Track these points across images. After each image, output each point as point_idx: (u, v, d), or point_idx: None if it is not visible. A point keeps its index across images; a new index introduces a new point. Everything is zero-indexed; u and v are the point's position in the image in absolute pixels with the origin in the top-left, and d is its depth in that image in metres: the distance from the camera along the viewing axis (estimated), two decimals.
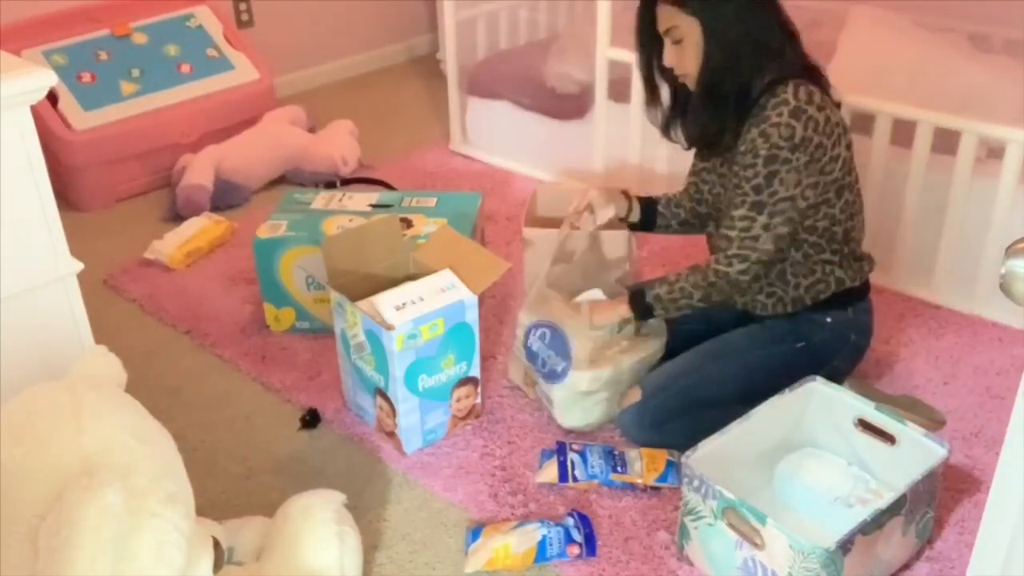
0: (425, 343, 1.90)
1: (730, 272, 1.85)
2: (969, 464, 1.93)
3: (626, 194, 2.12)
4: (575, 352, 1.93)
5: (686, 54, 1.82)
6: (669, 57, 1.85)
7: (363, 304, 1.91)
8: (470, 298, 1.94)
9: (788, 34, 1.84)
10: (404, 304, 1.89)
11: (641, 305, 1.93)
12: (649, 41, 1.89)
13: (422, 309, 1.89)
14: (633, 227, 2.16)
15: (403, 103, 3.95)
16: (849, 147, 1.85)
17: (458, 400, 2.03)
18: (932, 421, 2.01)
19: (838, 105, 1.88)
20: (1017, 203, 2.28)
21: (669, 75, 1.91)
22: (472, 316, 1.96)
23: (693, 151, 2.06)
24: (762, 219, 1.80)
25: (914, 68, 2.55)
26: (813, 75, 1.83)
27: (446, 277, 1.95)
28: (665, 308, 1.92)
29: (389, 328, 1.85)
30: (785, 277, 1.93)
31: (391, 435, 2.01)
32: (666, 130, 2.02)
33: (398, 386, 1.91)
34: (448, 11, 3.27)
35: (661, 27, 1.84)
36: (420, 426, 1.99)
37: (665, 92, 1.98)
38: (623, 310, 1.96)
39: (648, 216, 2.13)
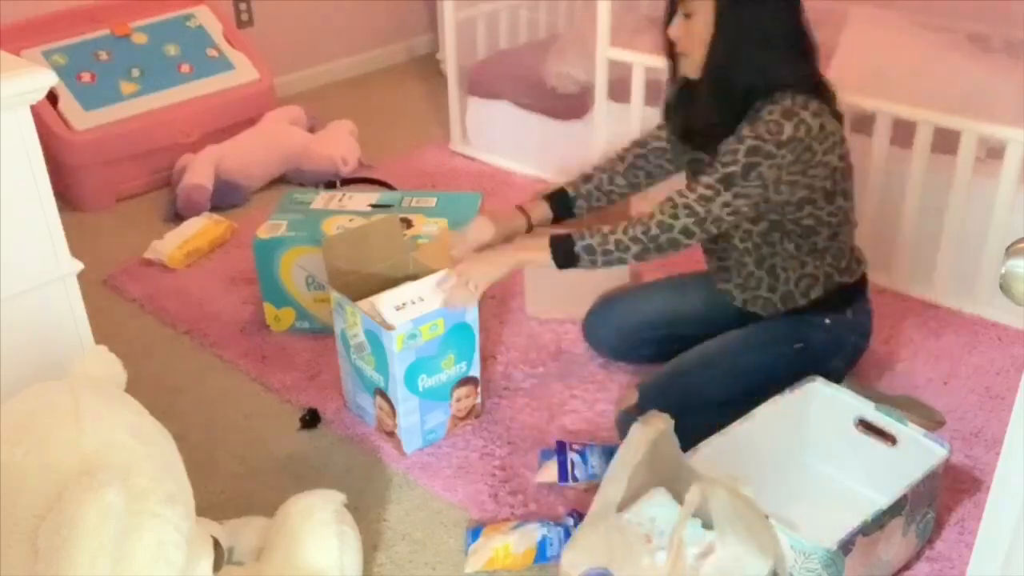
0: (425, 343, 1.90)
1: (675, 225, 1.77)
2: (969, 464, 1.93)
3: (520, 209, 2.04)
4: None
5: (692, 32, 1.78)
6: (675, 29, 1.81)
7: (363, 304, 1.91)
8: None
9: (804, 46, 1.80)
10: (404, 304, 1.89)
11: (565, 252, 1.82)
12: (673, 10, 1.84)
13: (422, 309, 1.89)
14: (555, 221, 2.08)
15: (403, 103, 3.95)
16: (843, 158, 1.83)
17: (458, 400, 2.03)
18: (931, 421, 2.01)
19: (840, 119, 1.84)
20: (1017, 203, 2.28)
21: (673, 50, 1.86)
22: (472, 316, 1.96)
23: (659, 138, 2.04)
24: (726, 195, 1.76)
25: (914, 68, 2.55)
26: (821, 90, 1.80)
27: (446, 277, 1.95)
28: (594, 260, 1.82)
29: (389, 328, 1.85)
30: (775, 271, 1.92)
31: (391, 435, 2.01)
32: (667, 114, 1.99)
33: (398, 386, 1.91)
34: (448, 11, 3.27)
35: None
36: (420, 426, 1.99)
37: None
38: (535, 257, 1.85)
39: (563, 211, 2.06)
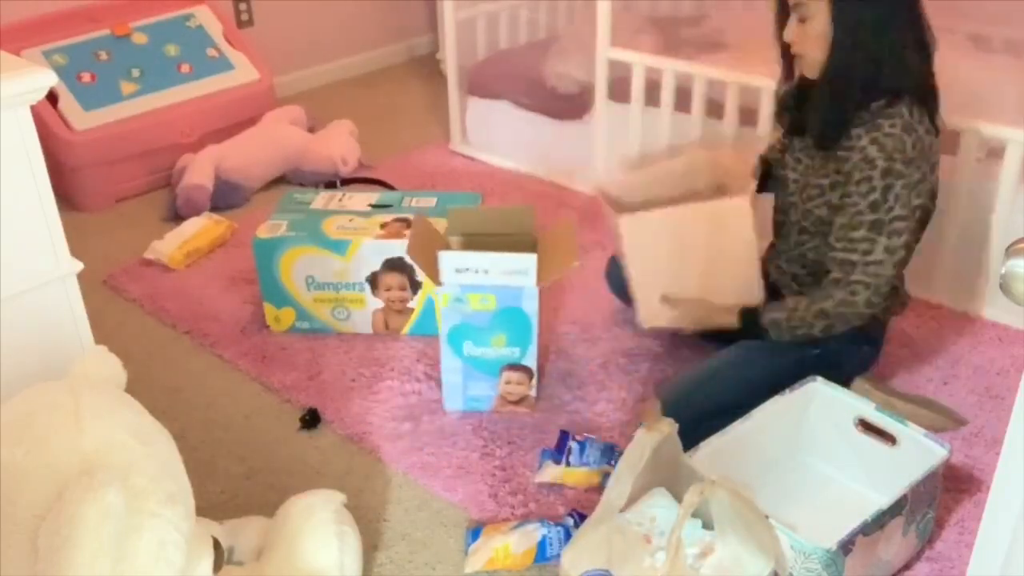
0: (474, 312, 1.97)
1: (857, 301, 1.81)
2: (969, 464, 1.93)
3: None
4: None
5: (808, 35, 1.78)
6: (790, 32, 1.82)
7: (442, 254, 1.95)
8: (530, 287, 1.96)
9: (921, 47, 1.80)
10: (467, 270, 1.94)
11: (752, 326, 1.91)
12: (785, 12, 1.84)
13: (478, 280, 1.94)
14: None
15: (403, 103, 3.95)
16: (938, 179, 1.84)
17: (507, 383, 2.07)
18: (951, 420, 2.01)
19: (938, 132, 1.86)
20: (1017, 203, 2.28)
21: (788, 50, 1.87)
22: (530, 306, 1.98)
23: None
24: (883, 240, 1.77)
25: None
26: (930, 97, 1.80)
27: (525, 262, 1.94)
28: (780, 335, 1.89)
29: (438, 285, 1.95)
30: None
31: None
32: (780, 111, 2.01)
33: (442, 342, 2.02)
34: (448, 11, 3.27)
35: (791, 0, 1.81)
36: (462, 389, 2.08)
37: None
38: (723, 321, 1.94)
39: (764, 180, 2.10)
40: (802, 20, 1.79)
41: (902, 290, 1.99)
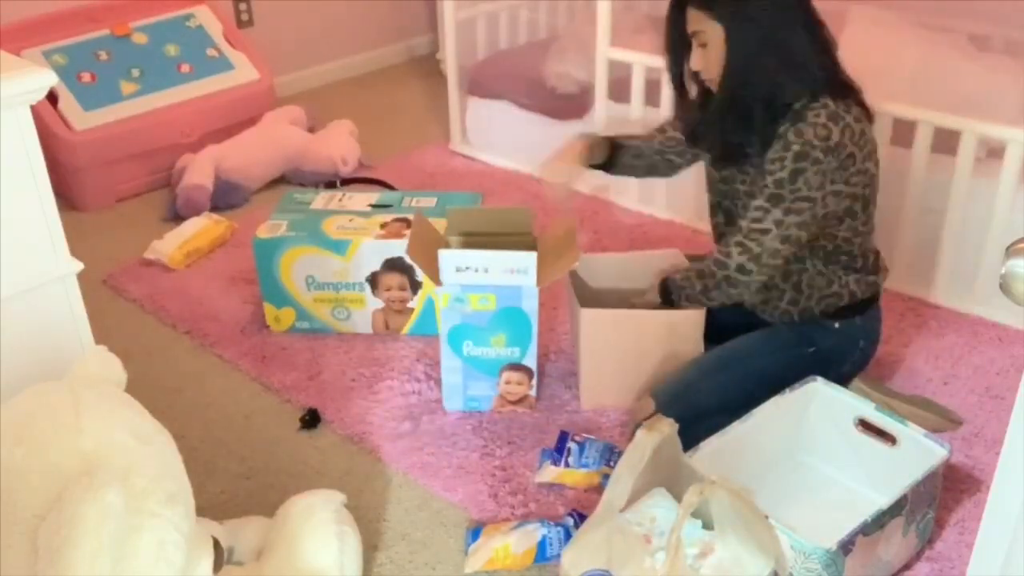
0: (474, 312, 1.97)
1: (729, 263, 1.83)
2: (969, 464, 1.93)
3: (610, 140, 2.15)
4: None
5: (711, 59, 1.80)
6: (696, 60, 1.84)
7: (443, 251, 1.96)
8: (530, 287, 1.96)
9: (821, 49, 1.80)
10: (468, 268, 1.94)
11: (664, 288, 1.98)
12: (679, 43, 1.88)
13: (478, 280, 1.94)
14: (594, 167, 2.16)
15: (403, 103, 3.96)
16: (877, 164, 1.85)
17: (507, 383, 2.07)
18: (948, 421, 2.01)
19: (871, 118, 1.85)
20: (1017, 203, 2.28)
21: (698, 79, 1.89)
22: (530, 305, 1.98)
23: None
24: (776, 213, 1.77)
25: (914, 68, 2.55)
26: (847, 91, 1.81)
27: (525, 260, 1.95)
28: (678, 295, 1.95)
29: (438, 285, 1.95)
30: (800, 287, 1.93)
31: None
32: (693, 137, 2.01)
33: (442, 341, 2.02)
34: (448, 11, 3.27)
35: (689, 29, 1.83)
36: (462, 389, 2.08)
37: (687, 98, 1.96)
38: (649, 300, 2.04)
39: (610, 161, 2.16)
40: (702, 46, 1.81)
41: (880, 260, 1.99)
